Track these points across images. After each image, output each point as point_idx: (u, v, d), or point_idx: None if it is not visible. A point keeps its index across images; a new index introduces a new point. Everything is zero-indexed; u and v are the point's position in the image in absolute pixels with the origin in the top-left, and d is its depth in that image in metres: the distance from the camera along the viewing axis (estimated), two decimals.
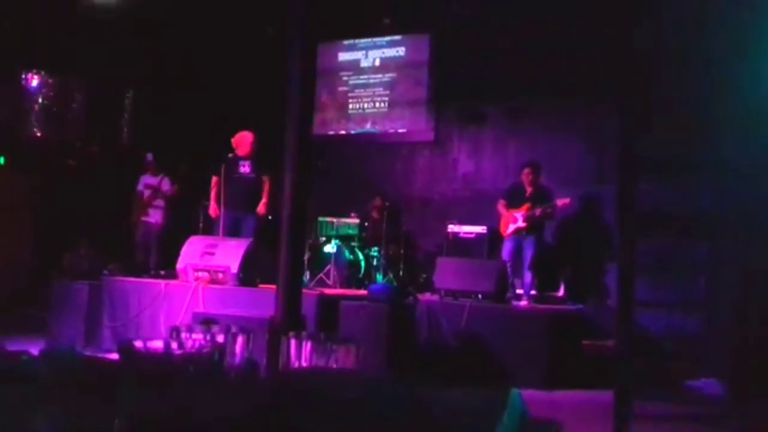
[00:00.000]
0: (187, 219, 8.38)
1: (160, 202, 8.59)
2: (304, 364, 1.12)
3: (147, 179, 8.62)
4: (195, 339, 1.11)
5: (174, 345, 1.03)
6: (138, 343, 0.98)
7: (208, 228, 7.92)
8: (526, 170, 7.63)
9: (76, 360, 1.33)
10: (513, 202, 7.64)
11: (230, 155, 7.47)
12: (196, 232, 7.56)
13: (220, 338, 1.15)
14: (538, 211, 7.45)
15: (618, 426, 3.74)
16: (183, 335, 1.16)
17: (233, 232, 7.27)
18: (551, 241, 8.22)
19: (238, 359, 1.18)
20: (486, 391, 0.90)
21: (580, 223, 8.33)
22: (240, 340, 1.18)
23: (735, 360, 4.90)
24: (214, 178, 7.43)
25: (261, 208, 7.36)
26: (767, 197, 5.42)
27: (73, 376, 1.30)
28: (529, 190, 7.61)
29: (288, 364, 1.14)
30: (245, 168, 7.44)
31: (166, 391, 0.96)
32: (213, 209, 7.43)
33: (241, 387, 1.10)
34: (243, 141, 7.45)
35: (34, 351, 1.99)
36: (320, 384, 0.94)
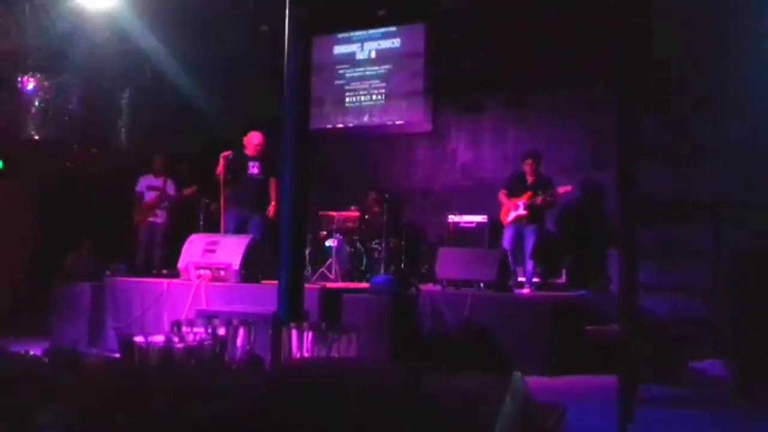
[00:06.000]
0: (188, 218, 8.35)
1: (164, 203, 8.47)
2: (305, 354, 1.12)
3: (150, 180, 8.39)
4: (196, 333, 1.10)
5: (175, 339, 1.03)
6: (139, 338, 0.97)
7: (210, 226, 7.89)
8: (528, 161, 7.59)
9: (78, 358, 1.33)
10: (514, 192, 7.60)
11: (228, 153, 7.42)
12: (197, 231, 7.54)
13: (222, 331, 1.15)
14: (539, 199, 7.43)
15: (622, 410, 3.75)
16: (184, 329, 1.16)
17: (240, 231, 7.20)
18: (552, 228, 8.21)
19: (239, 352, 1.17)
20: (488, 376, 0.90)
21: (581, 210, 8.31)
22: (241, 332, 1.18)
23: (737, 342, 4.89)
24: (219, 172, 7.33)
25: (271, 210, 7.29)
26: None
27: (76, 373, 1.30)
28: (530, 179, 7.58)
29: (290, 354, 1.14)
30: (254, 169, 7.39)
31: (168, 384, 0.96)
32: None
33: (243, 380, 1.10)
34: (251, 141, 7.41)
35: (38, 352, 1.99)
36: (322, 375, 0.94)
